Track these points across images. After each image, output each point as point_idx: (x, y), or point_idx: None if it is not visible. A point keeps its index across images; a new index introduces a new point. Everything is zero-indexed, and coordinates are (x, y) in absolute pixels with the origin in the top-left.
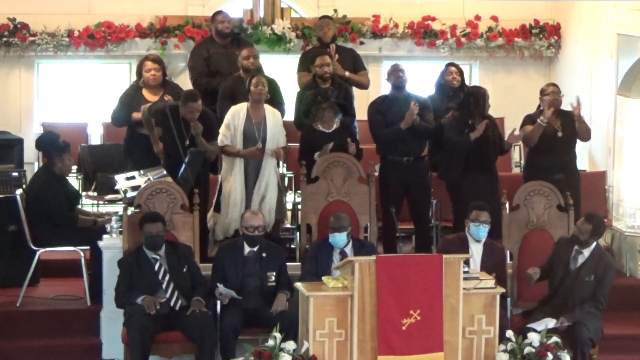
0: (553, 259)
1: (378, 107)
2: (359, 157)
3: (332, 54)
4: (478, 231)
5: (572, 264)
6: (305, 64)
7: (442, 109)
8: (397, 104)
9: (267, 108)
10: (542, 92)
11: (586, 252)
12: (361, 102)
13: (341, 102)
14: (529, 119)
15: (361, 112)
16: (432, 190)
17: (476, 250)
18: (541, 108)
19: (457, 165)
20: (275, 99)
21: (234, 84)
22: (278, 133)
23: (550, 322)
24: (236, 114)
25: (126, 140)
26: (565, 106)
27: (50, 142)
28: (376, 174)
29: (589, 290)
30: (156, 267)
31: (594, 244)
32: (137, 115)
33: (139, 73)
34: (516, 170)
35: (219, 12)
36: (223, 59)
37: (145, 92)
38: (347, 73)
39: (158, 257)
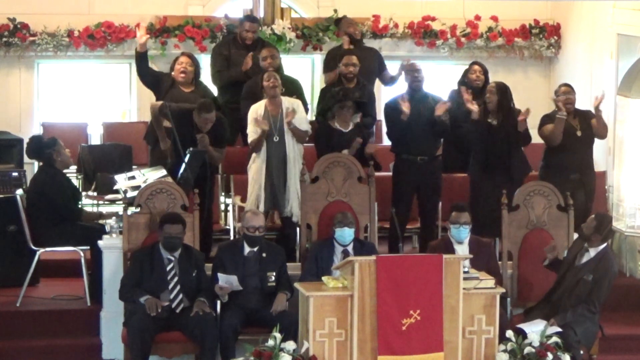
0: (568, 251)
1: (393, 105)
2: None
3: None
4: (459, 233)
5: (577, 260)
6: (330, 64)
7: (464, 107)
8: (412, 103)
9: (285, 100)
10: (555, 93)
11: (592, 252)
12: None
13: (362, 100)
14: (548, 119)
15: (379, 113)
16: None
17: (461, 251)
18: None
19: (477, 163)
20: (297, 98)
21: (255, 84)
22: (298, 121)
23: (540, 325)
24: (255, 111)
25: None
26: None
27: (38, 146)
28: (377, 174)
29: (586, 290)
30: (168, 268)
31: (603, 246)
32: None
33: (173, 68)
34: None
35: (248, 18)
36: (243, 60)
37: (178, 84)
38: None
39: (173, 258)
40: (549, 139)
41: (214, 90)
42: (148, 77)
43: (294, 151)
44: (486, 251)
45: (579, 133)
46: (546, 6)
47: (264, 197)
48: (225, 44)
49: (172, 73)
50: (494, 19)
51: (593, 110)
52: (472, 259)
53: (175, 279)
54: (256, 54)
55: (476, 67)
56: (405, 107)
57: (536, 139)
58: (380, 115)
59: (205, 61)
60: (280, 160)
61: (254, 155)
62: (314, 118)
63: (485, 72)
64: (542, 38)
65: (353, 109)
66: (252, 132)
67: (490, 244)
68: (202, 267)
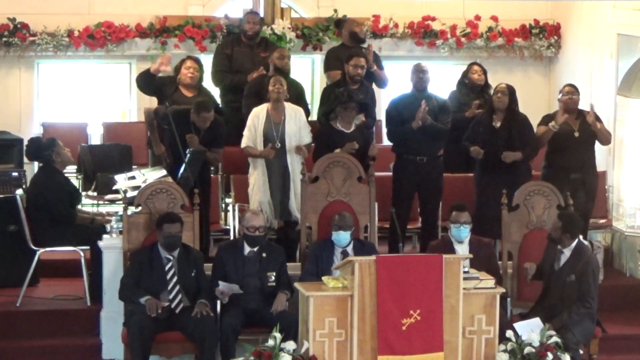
0: (543, 258)
1: (397, 104)
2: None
3: (370, 50)
4: (459, 232)
5: (556, 264)
6: (336, 63)
7: (467, 105)
8: (416, 103)
9: (289, 107)
10: (560, 92)
11: (567, 252)
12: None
13: (365, 102)
14: (548, 118)
15: (379, 114)
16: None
17: (461, 251)
18: (557, 110)
19: (480, 164)
20: (300, 102)
21: (260, 82)
22: (300, 131)
23: (536, 323)
24: (256, 116)
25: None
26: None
27: (37, 147)
28: (376, 173)
29: (574, 291)
30: (167, 267)
31: (575, 242)
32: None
33: (178, 70)
34: None
35: (249, 12)
36: (246, 59)
37: (181, 88)
38: (374, 67)
39: (171, 257)
40: (539, 139)
41: (216, 93)
42: (151, 89)
43: (295, 158)
44: (486, 251)
45: (576, 134)
46: (546, 6)
47: (273, 207)
48: (227, 43)
49: (178, 76)
50: (494, 19)
51: (591, 124)
52: (472, 259)
53: (175, 278)
54: (266, 57)
55: (476, 67)
56: (419, 118)
57: None
58: (380, 115)
59: (205, 61)
60: (281, 167)
61: (252, 162)
62: (315, 119)
63: (484, 72)
64: (542, 38)
65: (356, 110)
66: (248, 138)
67: (491, 244)
68: (201, 266)
